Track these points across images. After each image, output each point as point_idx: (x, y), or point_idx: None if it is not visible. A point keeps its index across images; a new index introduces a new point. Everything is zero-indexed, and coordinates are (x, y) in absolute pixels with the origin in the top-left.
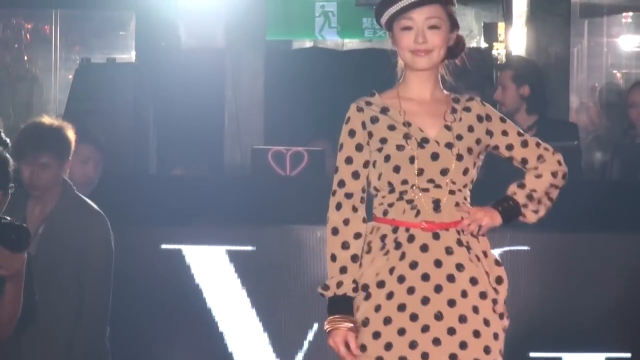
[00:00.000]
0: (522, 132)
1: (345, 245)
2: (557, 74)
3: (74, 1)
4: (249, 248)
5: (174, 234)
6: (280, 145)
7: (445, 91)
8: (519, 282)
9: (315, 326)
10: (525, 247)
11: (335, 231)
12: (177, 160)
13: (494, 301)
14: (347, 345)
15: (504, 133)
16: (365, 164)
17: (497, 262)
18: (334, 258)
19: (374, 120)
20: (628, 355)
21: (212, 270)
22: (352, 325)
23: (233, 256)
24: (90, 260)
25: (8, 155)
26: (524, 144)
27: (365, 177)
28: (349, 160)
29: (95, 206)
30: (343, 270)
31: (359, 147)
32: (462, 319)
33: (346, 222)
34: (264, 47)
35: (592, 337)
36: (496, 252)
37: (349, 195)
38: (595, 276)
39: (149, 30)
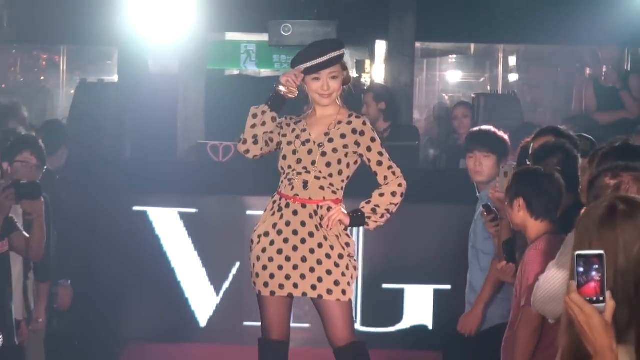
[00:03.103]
0: (383, 153)
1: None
2: (404, 96)
3: (75, 38)
4: (193, 210)
5: (142, 199)
6: (215, 140)
7: (345, 109)
8: (377, 238)
9: (237, 264)
10: None
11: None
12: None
13: (340, 256)
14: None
15: (368, 149)
16: (271, 140)
17: (345, 229)
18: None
19: (287, 125)
20: (449, 287)
21: (168, 225)
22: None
23: (182, 216)
24: None
25: None
26: (379, 164)
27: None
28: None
29: None
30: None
31: (275, 129)
32: (311, 269)
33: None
34: (205, 73)
35: (425, 274)
36: None
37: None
38: (428, 232)
39: (127, 60)
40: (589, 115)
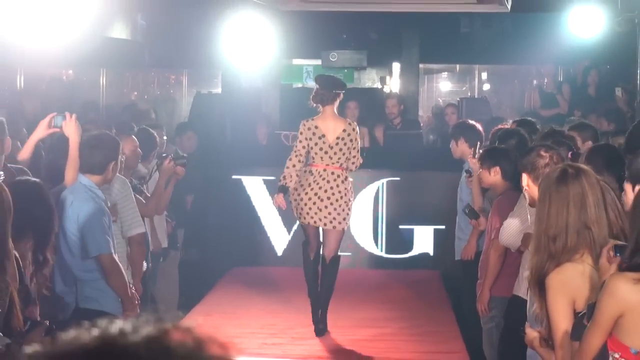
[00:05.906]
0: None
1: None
2: (412, 101)
3: (193, 64)
4: (273, 177)
5: (238, 170)
6: (287, 130)
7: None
8: (394, 194)
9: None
10: (397, 178)
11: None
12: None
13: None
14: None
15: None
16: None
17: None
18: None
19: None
20: (444, 227)
21: (256, 188)
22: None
23: (265, 181)
24: None
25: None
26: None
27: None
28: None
29: None
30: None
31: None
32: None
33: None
34: (279, 87)
35: (428, 218)
36: (382, 181)
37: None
38: (429, 190)
39: (227, 78)
40: (535, 111)
